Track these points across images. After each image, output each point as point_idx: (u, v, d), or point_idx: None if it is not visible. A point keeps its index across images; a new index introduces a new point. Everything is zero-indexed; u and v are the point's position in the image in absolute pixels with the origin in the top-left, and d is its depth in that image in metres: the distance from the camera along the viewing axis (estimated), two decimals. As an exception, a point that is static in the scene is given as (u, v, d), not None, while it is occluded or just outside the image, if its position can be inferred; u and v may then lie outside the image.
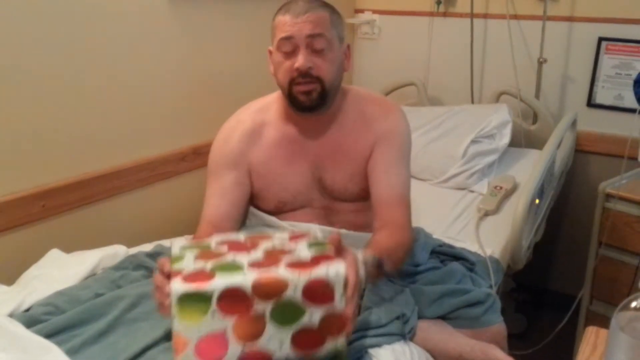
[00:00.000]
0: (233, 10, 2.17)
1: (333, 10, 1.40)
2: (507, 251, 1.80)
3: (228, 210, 1.46)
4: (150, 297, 1.36)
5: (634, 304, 0.83)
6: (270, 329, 0.94)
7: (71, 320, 1.26)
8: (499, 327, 1.41)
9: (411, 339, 1.30)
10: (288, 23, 1.34)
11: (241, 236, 1.09)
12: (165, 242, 1.67)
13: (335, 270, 0.95)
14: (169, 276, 0.99)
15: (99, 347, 1.21)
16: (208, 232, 1.40)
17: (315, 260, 0.97)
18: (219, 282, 0.91)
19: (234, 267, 0.94)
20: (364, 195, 1.50)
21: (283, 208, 1.51)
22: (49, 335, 1.20)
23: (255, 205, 1.55)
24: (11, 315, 1.28)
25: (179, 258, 0.98)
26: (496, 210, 2.01)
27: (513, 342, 1.49)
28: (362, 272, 1.07)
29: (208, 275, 0.92)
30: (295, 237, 1.07)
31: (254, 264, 0.96)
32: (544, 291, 2.71)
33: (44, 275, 1.44)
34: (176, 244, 1.04)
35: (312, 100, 1.38)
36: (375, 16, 2.83)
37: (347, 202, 1.51)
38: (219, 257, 0.98)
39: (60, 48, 1.60)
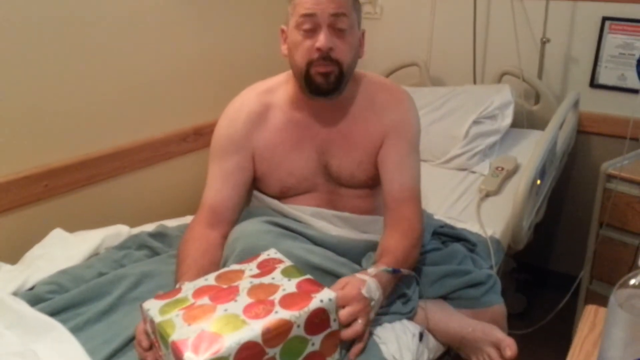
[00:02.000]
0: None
1: None
2: (508, 232, 1.80)
3: (230, 195, 1.42)
4: (152, 276, 1.37)
5: (632, 282, 0.83)
6: None
7: (75, 299, 1.28)
8: (499, 307, 1.42)
9: (412, 319, 1.31)
10: (311, 0, 1.29)
11: (210, 279, 1.10)
12: (168, 222, 1.67)
13: (327, 297, 1.02)
14: (150, 347, 1.05)
15: (102, 326, 1.22)
16: (208, 218, 1.39)
17: (303, 290, 1.04)
18: (232, 342, 0.92)
19: (235, 321, 0.96)
20: (370, 183, 1.48)
21: (287, 193, 1.48)
22: (53, 314, 1.22)
23: (258, 189, 1.52)
24: (15, 293, 1.29)
25: (169, 324, 0.97)
26: (497, 191, 2.01)
27: (513, 321, 1.50)
28: (370, 292, 1.15)
29: (215, 337, 0.93)
30: (263, 266, 1.12)
31: (249, 310, 0.99)
32: (545, 271, 2.72)
33: (47, 255, 1.45)
34: (151, 307, 1.03)
35: (329, 84, 1.34)
36: (378, -5, 2.81)
37: (353, 188, 1.49)
38: (210, 312, 0.99)
39: (63, 27, 1.60)
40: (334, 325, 1.05)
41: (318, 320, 1.01)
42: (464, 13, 2.57)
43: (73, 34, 1.62)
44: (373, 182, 1.48)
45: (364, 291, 1.14)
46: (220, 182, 1.43)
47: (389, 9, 2.80)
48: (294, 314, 0.97)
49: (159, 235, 1.57)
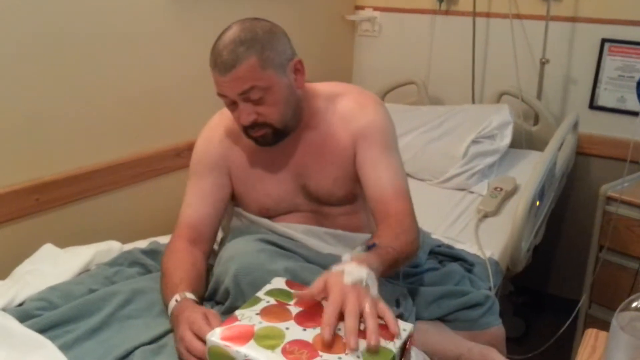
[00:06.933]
0: (232, 5, 2.14)
1: (263, 46, 1.25)
2: (506, 253, 1.78)
3: (208, 213, 1.43)
4: (144, 294, 1.34)
5: (634, 304, 0.84)
6: None
7: (64, 316, 1.25)
8: (497, 329, 1.40)
9: (408, 341, 1.28)
10: (217, 81, 1.27)
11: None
12: (160, 239, 1.65)
13: None
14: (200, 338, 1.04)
15: (92, 343, 1.19)
16: (188, 235, 1.39)
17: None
18: (243, 351, 0.92)
19: (273, 339, 0.94)
20: (350, 199, 1.45)
21: (267, 213, 1.47)
22: (42, 331, 1.19)
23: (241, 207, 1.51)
24: (4, 309, 1.27)
25: (255, 302, 1.02)
26: (496, 211, 1.99)
27: (511, 346, 1.48)
28: (352, 275, 1.00)
29: (246, 338, 0.94)
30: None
31: (297, 345, 0.93)
32: (544, 295, 2.69)
33: (37, 270, 1.43)
34: (276, 282, 1.10)
35: (268, 142, 1.34)
36: (376, 13, 2.81)
37: (335, 206, 1.46)
38: (280, 319, 0.99)
39: (57, 41, 1.59)
40: None
41: None
42: (463, 32, 2.58)
43: (66, 47, 1.61)
44: (353, 197, 1.45)
45: (347, 281, 0.99)
46: (199, 201, 1.44)
47: (387, 27, 2.81)
48: None
49: (151, 252, 1.54)
